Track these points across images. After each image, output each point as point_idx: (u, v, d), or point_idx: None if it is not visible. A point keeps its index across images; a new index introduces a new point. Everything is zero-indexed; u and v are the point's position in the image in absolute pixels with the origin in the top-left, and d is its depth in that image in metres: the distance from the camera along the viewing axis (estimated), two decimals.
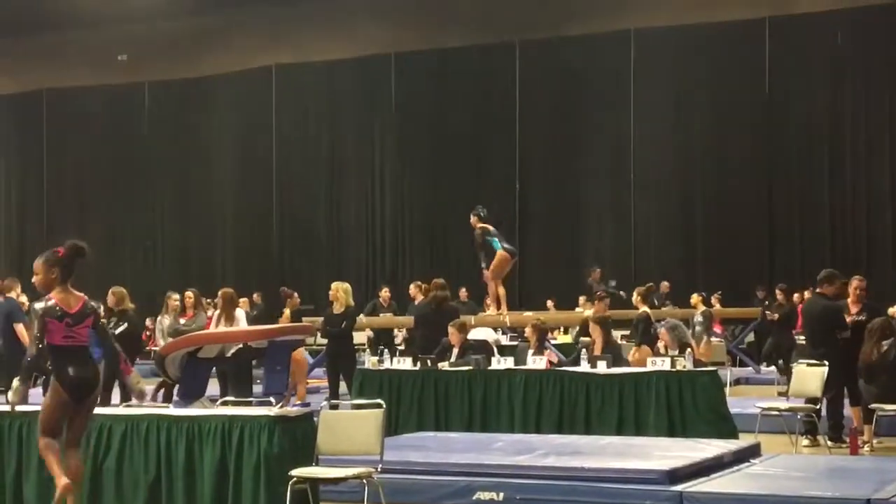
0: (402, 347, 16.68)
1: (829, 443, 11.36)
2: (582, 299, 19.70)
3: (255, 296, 21.75)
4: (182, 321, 14.81)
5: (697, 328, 16.58)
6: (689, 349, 12.05)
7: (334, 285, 14.74)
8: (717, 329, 19.15)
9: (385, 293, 18.79)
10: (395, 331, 18.59)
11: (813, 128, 21.70)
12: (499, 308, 15.13)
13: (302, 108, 25.66)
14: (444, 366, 12.32)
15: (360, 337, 17.01)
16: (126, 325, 13.67)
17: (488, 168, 23.78)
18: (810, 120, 21.74)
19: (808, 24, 21.45)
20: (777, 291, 16.47)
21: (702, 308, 16.75)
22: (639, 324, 13.97)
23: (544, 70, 23.56)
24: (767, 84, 21.83)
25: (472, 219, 14.93)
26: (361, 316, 16.91)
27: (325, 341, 15.89)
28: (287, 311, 16.00)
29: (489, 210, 14.92)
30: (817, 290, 11.95)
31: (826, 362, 11.02)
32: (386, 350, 13.32)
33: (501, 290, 15.12)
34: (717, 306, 18.45)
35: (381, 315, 17.84)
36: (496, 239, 14.90)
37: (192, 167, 26.86)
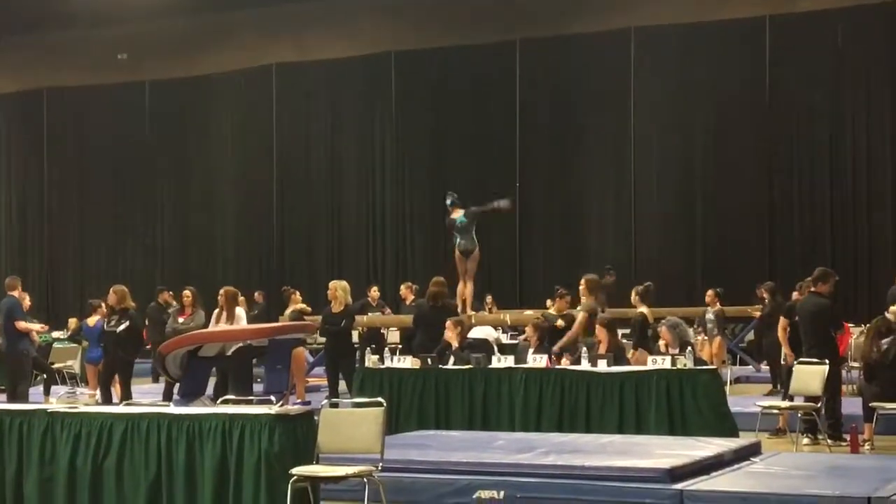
0: (400, 346, 16.62)
1: (829, 441, 11.37)
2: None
3: (256, 294, 21.73)
4: (181, 319, 14.86)
5: (709, 325, 16.53)
6: (689, 347, 12.04)
7: (332, 284, 14.76)
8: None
9: (374, 292, 18.73)
10: (382, 329, 18.53)
11: (814, 126, 21.64)
12: (463, 308, 14.96)
13: (303, 106, 25.63)
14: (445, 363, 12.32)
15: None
16: (127, 323, 13.73)
17: (489, 166, 23.74)
18: (811, 118, 21.68)
19: (809, 22, 21.39)
20: (763, 290, 16.38)
21: (717, 306, 16.66)
22: (636, 324, 13.92)
23: (544, 68, 23.52)
24: (768, 82, 21.78)
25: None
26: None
27: (324, 340, 15.89)
28: (288, 310, 15.98)
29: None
30: (812, 288, 12.05)
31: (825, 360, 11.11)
32: (374, 349, 13.27)
33: (468, 289, 15.04)
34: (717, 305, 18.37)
35: (371, 314, 17.78)
36: (456, 236, 14.95)
37: (193, 165, 26.83)
